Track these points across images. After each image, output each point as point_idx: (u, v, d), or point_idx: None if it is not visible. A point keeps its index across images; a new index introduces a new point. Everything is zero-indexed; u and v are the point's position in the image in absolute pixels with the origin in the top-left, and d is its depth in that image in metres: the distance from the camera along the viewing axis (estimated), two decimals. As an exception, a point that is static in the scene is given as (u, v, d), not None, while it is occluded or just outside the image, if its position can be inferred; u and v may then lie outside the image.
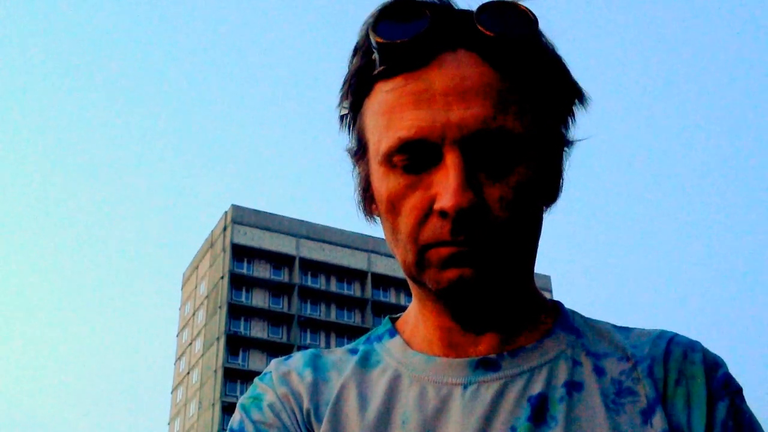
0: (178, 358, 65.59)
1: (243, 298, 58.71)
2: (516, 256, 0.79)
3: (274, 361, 0.92)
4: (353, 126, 0.85)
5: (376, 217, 0.86)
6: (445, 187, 0.74)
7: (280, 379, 0.87)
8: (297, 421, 0.84)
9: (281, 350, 56.53)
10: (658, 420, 0.78)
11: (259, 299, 59.22)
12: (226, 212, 60.95)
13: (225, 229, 60.08)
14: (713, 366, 0.83)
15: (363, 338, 0.92)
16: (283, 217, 61.08)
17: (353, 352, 0.90)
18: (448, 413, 0.79)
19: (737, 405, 0.81)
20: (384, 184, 0.79)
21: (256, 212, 60.71)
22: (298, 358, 0.90)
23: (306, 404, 0.84)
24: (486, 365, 0.81)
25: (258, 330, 58.38)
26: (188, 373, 61.77)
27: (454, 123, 0.75)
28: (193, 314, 64.13)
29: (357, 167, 0.87)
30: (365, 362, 0.87)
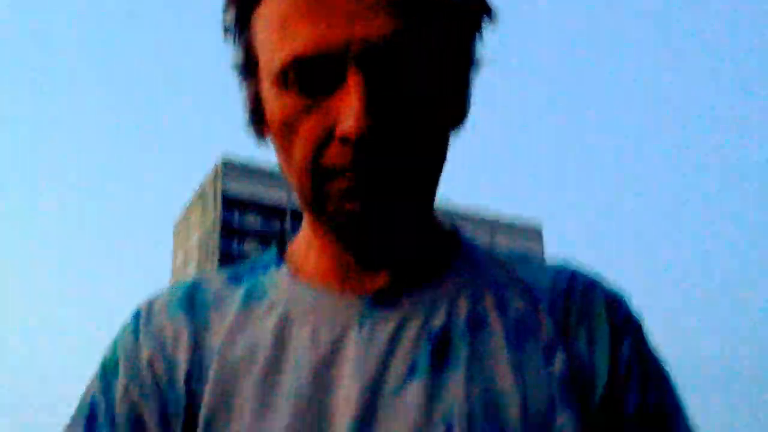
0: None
1: (234, 249, 58.61)
2: (421, 185, 0.73)
3: (142, 304, 0.81)
4: (240, 37, 0.76)
5: (268, 139, 0.78)
6: (347, 110, 0.67)
7: (150, 335, 0.77)
8: (159, 391, 0.74)
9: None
10: (559, 358, 0.74)
11: (251, 249, 59.12)
12: (216, 163, 60.50)
13: (215, 179, 59.71)
14: (615, 302, 0.80)
15: (247, 265, 0.84)
16: (275, 166, 60.69)
17: (235, 281, 0.81)
18: (343, 354, 0.73)
19: (640, 341, 0.79)
20: (277, 105, 0.71)
21: (247, 162, 60.30)
22: (169, 298, 0.80)
23: (184, 363, 0.75)
24: (382, 302, 0.75)
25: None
26: (180, 323, 62.08)
27: (356, 38, 0.67)
28: (185, 265, 64.07)
29: (245, 84, 0.78)
30: (250, 299, 0.79)
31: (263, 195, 59.93)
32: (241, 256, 58.82)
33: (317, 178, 0.70)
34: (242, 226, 59.42)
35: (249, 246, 59.51)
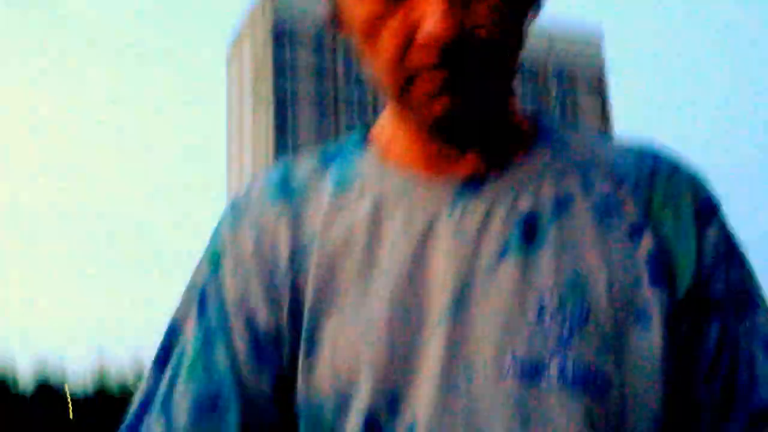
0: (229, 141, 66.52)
1: (288, 58, 58.40)
2: (505, 77, 0.74)
3: (239, 194, 0.85)
4: None
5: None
6: (429, 9, 0.67)
7: (250, 224, 0.81)
8: (264, 276, 0.78)
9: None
10: (646, 241, 0.76)
11: (305, 58, 58.77)
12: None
13: (264, 11, 58.55)
14: (699, 186, 0.81)
15: (334, 148, 0.85)
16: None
17: (324, 165, 0.83)
18: (436, 237, 0.76)
19: (723, 225, 0.80)
20: (358, 8, 0.72)
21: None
22: (265, 187, 0.83)
23: (285, 249, 0.79)
24: (471, 185, 0.77)
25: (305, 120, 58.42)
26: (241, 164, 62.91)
27: None
28: (240, 78, 64.10)
29: None
30: (342, 184, 0.81)
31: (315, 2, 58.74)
32: (295, 65, 58.63)
33: (403, 79, 0.71)
34: (294, 34, 58.78)
35: (302, 55, 59.15)
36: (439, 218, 0.76)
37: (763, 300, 0.80)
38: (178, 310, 0.82)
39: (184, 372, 0.78)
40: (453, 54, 0.68)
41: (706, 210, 0.79)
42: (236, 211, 0.83)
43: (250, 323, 0.77)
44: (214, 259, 0.81)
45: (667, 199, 0.78)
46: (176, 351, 0.79)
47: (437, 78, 0.70)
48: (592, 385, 0.72)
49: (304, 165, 0.84)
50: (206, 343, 0.78)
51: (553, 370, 0.72)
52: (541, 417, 0.71)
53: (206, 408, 0.77)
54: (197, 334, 0.78)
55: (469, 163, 0.78)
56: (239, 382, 0.77)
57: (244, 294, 0.78)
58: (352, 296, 0.75)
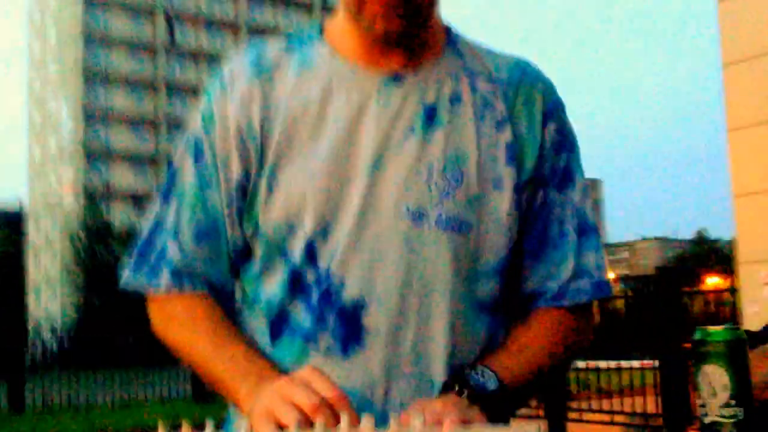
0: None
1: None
2: (433, 3, 1.06)
3: (224, 71, 1.13)
4: None
5: None
6: None
7: (233, 96, 1.09)
8: (242, 136, 1.08)
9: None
10: (506, 132, 1.09)
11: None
12: None
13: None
14: (550, 93, 1.13)
15: (296, 38, 1.14)
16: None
17: (289, 50, 1.12)
18: (366, 115, 1.06)
19: (562, 123, 1.13)
20: None
21: None
22: (243, 65, 1.11)
23: (258, 115, 1.08)
24: (394, 78, 1.08)
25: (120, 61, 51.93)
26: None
27: None
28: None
29: None
30: (302, 67, 1.10)
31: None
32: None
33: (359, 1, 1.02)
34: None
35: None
36: (370, 101, 1.07)
37: (580, 179, 1.14)
38: (178, 154, 1.13)
39: (187, 207, 1.10)
40: None
41: (551, 111, 1.12)
42: (223, 84, 1.11)
43: (229, 174, 1.09)
44: (205, 120, 1.11)
45: (525, 101, 1.11)
46: (178, 188, 1.11)
47: (383, 5, 1.01)
48: (458, 230, 1.05)
49: (273, 48, 1.13)
50: (202, 186, 1.10)
51: (433, 217, 1.05)
52: (422, 249, 1.04)
53: (204, 234, 1.09)
54: (195, 177, 1.10)
55: (395, 60, 1.08)
56: (226, 217, 1.09)
57: (227, 152, 1.08)
58: (303, 152, 1.06)
